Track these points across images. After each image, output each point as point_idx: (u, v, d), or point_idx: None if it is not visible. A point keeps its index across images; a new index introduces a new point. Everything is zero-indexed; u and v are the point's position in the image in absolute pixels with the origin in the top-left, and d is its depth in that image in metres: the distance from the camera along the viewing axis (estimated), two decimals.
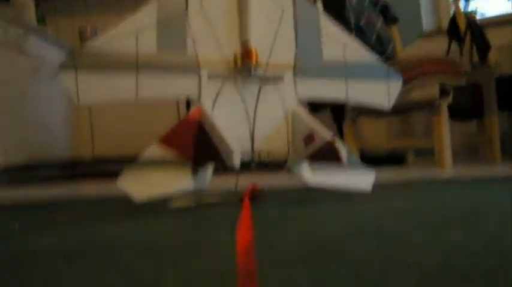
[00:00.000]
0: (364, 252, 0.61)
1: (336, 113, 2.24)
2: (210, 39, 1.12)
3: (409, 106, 1.95)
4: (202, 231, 0.82)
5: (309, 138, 1.11)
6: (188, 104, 3.26)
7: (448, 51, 2.26)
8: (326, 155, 1.10)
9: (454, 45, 2.29)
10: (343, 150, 1.08)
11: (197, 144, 1.04)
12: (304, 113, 1.18)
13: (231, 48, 1.13)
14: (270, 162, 1.21)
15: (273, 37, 1.17)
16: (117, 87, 1.03)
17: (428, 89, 1.85)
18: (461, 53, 2.21)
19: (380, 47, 2.24)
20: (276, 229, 0.80)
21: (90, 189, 1.83)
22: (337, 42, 1.25)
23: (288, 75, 1.18)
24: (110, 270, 0.58)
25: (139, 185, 0.98)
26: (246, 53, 1.10)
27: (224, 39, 1.13)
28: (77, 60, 1.00)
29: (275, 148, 1.16)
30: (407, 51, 2.42)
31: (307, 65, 1.20)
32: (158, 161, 1.01)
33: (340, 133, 2.36)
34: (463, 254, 0.58)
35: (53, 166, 2.92)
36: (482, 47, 2.09)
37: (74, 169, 3.28)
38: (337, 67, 1.24)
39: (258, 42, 1.13)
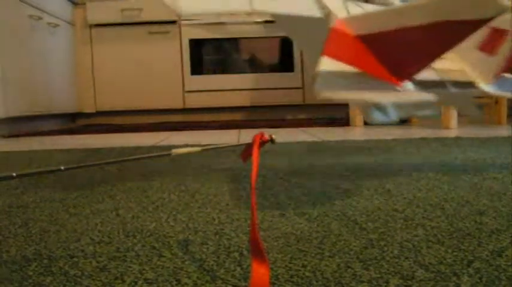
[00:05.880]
0: (367, 207, 0.60)
1: None
2: None
3: None
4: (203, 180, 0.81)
5: None
6: (193, 53, 3.18)
7: None
8: None
9: None
10: None
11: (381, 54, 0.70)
12: None
13: None
14: None
15: None
16: None
17: None
18: None
19: None
20: (281, 181, 0.79)
21: (90, 140, 1.83)
22: None
23: None
24: (109, 220, 0.58)
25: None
26: None
27: None
28: None
29: None
30: None
31: None
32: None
33: None
34: (469, 213, 0.57)
35: (54, 118, 2.90)
36: None
37: (74, 121, 3.27)
38: None
39: None
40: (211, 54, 3.20)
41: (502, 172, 0.85)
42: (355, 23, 0.74)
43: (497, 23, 0.75)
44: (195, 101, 3.13)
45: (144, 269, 0.41)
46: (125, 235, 0.51)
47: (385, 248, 0.45)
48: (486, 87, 0.83)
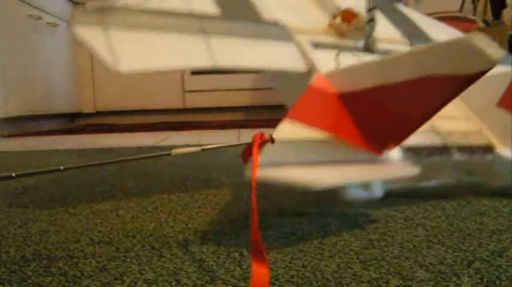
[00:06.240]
0: (367, 207, 0.60)
1: None
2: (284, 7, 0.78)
3: None
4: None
5: None
6: None
7: (461, 8, 2.18)
8: None
9: (468, 2, 2.21)
10: None
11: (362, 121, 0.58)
12: None
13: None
14: None
15: None
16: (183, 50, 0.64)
17: None
18: (474, 10, 2.13)
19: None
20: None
21: (90, 140, 1.83)
22: None
23: None
24: (109, 220, 0.58)
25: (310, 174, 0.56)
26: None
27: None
28: (106, 16, 0.58)
29: None
30: (419, 7, 2.34)
31: None
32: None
33: None
34: (470, 214, 0.57)
35: (54, 118, 2.90)
36: (497, 4, 2.01)
37: (74, 121, 3.27)
38: None
39: None
40: None
41: (502, 172, 0.85)
42: (339, 77, 0.62)
43: None
44: (195, 101, 3.13)
45: (143, 270, 0.41)
46: (124, 235, 0.51)
47: (385, 249, 0.45)
48: (506, 152, 0.69)
